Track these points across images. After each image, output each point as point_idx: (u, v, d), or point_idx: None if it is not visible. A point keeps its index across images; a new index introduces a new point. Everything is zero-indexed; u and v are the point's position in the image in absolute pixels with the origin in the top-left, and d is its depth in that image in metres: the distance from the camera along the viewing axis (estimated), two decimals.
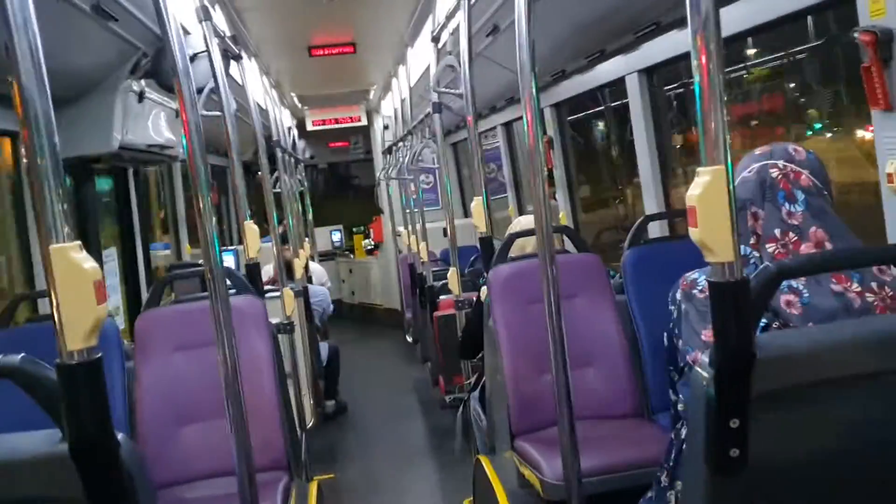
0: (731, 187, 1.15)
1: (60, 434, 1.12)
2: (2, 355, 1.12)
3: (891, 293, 1.44)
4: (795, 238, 1.49)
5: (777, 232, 1.50)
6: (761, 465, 1.24)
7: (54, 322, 1.10)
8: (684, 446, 1.61)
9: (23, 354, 1.12)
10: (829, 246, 1.48)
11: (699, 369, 1.22)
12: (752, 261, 1.51)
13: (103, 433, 1.10)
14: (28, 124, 1.08)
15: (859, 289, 1.44)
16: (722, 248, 1.15)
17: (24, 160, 1.04)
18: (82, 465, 1.10)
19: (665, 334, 1.67)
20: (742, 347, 1.17)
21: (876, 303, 1.44)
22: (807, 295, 1.44)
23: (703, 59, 1.15)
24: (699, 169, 1.17)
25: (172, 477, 2.61)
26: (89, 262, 1.11)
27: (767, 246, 1.50)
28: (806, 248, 1.48)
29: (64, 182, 1.12)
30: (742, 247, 1.44)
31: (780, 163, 1.54)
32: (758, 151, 1.60)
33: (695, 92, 1.17)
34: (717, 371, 1.18)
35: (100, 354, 1.12)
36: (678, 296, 1.60)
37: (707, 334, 1.51)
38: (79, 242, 1.11)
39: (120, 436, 1.15)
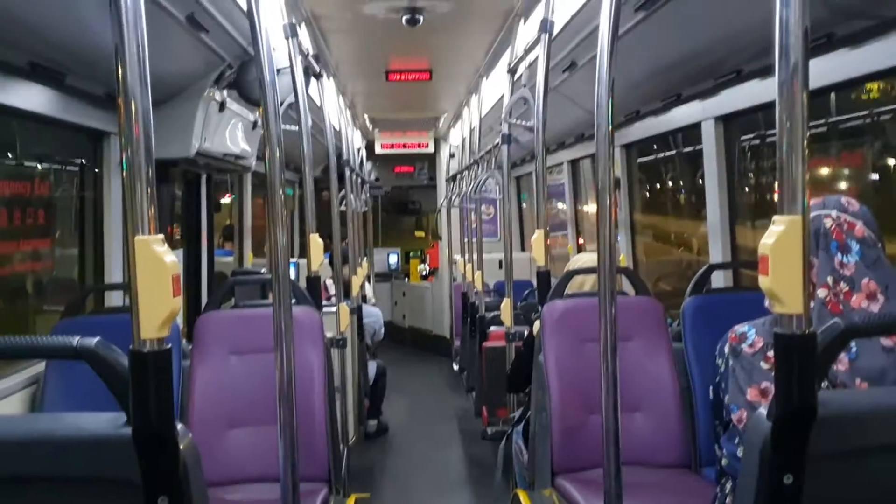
0: (805, 238, 1.14)
1: (125, 418, 1.16)
2: (79, 338, 1.17)
3: None
4: (847, 289, 1.49)
5: (829, 280, 1.50)
6: None
7: (132, 310, 1.15)
8: (728, 500, 1.58)
9: (99, 338, 1.16)
10: (881, 297, 1.47)
11: (757, 421, 1.20)
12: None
13: (166, 421, 1.14)
14: (129, 121, 1.13)
15: None
16: (792, 299, 1.13)
17: (120, 156, 1.08)
18: (143, 450, 1.13)
19: (711, 388, 1.65)
20: (803, 403, 1.15)
21: None
22: (854, 350, 1.41)
23: (789, 109, 1.15)
24: (775, 217, 1.16)
25: (217, 478, 2.65)
26: (169, 256, 1.15)
27: (819, 292, 1.49)
28: (857, 299, 1.48)
29: (154, 177, 1.17)
30: None
31: (834, 213, 1.55)
32: (811, 202, 1.59)
33: (776, 142, 1.17)
34: (775, 424, 1.16)
35: (170, 346, 1.16)
36: (726, 349, 1.58)
37: (752, 393, 1.49)
38: (162, 236, 1.16)
39: (179, 426, 1.19)
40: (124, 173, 1.15)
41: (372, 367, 6.18)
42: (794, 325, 1.14)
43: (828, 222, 1.54)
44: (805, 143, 1.15)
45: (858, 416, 1.21)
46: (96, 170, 3.53)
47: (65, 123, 3.08)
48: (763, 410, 1.21)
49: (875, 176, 3.04)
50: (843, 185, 3.15)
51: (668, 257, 5.36)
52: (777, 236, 1.15)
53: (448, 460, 5.74)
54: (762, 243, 1.16)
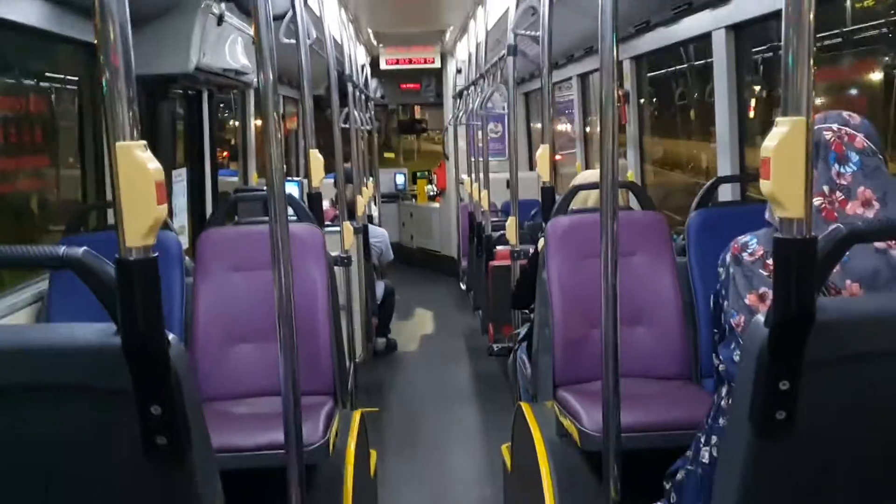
0: (808, 141, 1.10)
1: (115, 328, 1.16)
2: (65, 247, 1.15)
3: None
4: (843, 197, 1.51)
5: (825, 189, 1.52)
6: (807, 432, 1.21)
7: (115, 219, 1.13)
8: (723, 404, 1.59)
9: (86, 248, 1.15)
10: (876, 204, 1.50)
11: (755, 327, 1.19)
12: None
13: (154, 330, 1.13)
14: (104, 22, 1.09)
15: None
16: (793, 203, 1.10)
17: (97, 58, 1.05)
18: (132, 359, 1.13)
19: (711, 296, 1.65)
20: (802, 309, 1.13)
21: None
22: (847, 253, 1.41)
23: (795, 7, 1.09)
24: (778, 119, 1.12)
25: (222, 392, 2.69)
26: (153, 163, 1.13)
27: (814, 200, 1.49)
28: (852, 207, 1.50)
29: (134, 83, 1.13)
30: None
31: (835, 126, 1.57)
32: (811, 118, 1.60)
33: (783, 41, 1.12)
34: (772, 330, 1.14)
35: (156, 255, 1.15)
36: (727, 258, 1.58)
37: (751, 298, 1.51)
38: (144, 142, 1.13)
39: (171, 336, 1.18)
40: (101, 78, 1.11)
41: (380, 287, 6.22)
42: (794, 230, 1.11)
43: (828, 135, 1.55)
44: (811, 40, 1.09)
45: (856, 322, 1.20)
46: (94, 85, 3.47)
47: (61, 37, 3.01)
48: (761, 317, 1.19)
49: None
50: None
51: (680, 175, 5.30)
52: (780, 138, 1.11)
53: (455, 376, 5.83)
54: (764, 146, 1.13)
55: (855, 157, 1.53)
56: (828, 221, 1.49)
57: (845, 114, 1.60)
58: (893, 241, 1.46)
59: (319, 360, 2.75)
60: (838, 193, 1.51)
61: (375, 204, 8.37)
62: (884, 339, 1.19)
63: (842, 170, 1.53)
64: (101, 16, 1.11)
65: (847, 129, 1.56)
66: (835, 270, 1.40)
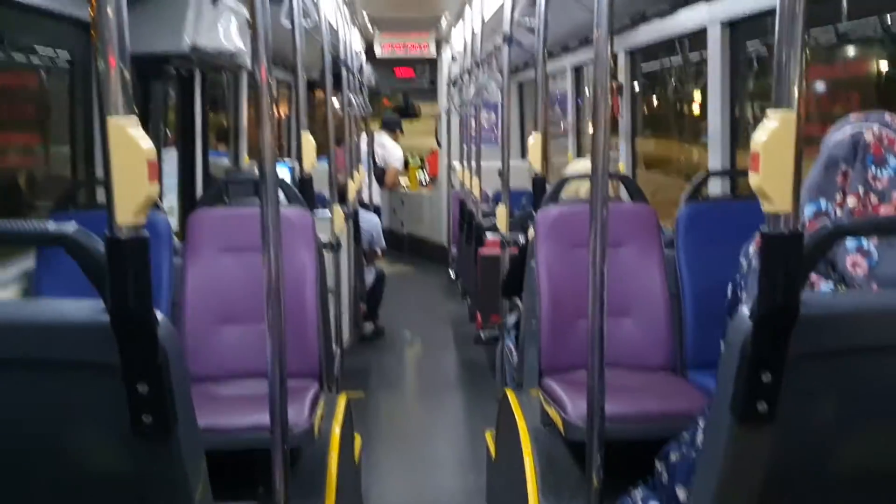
0: (798, 136, 1.11)
1: (104, 305, 1.16)
2: (55, 224, 1.15)
3: None
4: (876, 201, 1.50)
5: (860, 190, 1.51)
6: (788, 424, 1.23)
7: (106, 196, 1.13)
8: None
9: (75, 225, 1.15)
10: None
11: (739, 319, 1.20)
12: (832, 217, 1.50)
13: (143, 308, 1.13)
14: None
15: None
16: (780, 197, 1.11)
17: (91, 34, 1.04)
18: (121, 337, 1.14)
19: (730, 285, 1.65)
20: (786, 302, 1.14)
21: None
22: (876, 258, 1.42)
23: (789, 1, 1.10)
24: (768, 111, 1.13)
25: (209, 372, 2.70)
26: (145, 141, 1.12)
27: (849, 200, 1.50)
28: (885, 211, 1.48)
29: (128, 60, 1.13)
30: (826, 202, 1.44)
31: (875, 127, 1.55)
32: (853, 116, 1.61)
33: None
34: (756, 322, 1.16)
35: (147, 234, 1.15)
36: (751, 249, 1.58)
37: None
38: (136, 119, 1.13)
39: (160, 315, 1.19)
40: (98, 52, 1.10)
41: (370, 272, 6.21)
42: (781, 224, 1.13)
43: (868, 136, 1.54)
44: (803, 34, 1.10)
45: (840, 318, 1.21)
46: (86, 62, 3.44)
47: (53, 13, 2.99)
48: (745, 309, 1.21)
49: None
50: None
51: (671, 168, 5.31)
52: (769, 133, 1.12)
53: (441, 362, 5.85)
54: (753, 140, 1.14)
55: (893, 162, 1.51)
56: None
57: (887, 116, 1.58)
58: None
59: (306, 343, 2.76)
60: (872, 196, 1.50)
61: (370, 188, 8.34)
62: (867, 335, 1.20)
63: (878, 173, 1.51)
64: None
65: (888, 131, 1.54)
66: (863, 274, 1.41)
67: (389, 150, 8.28)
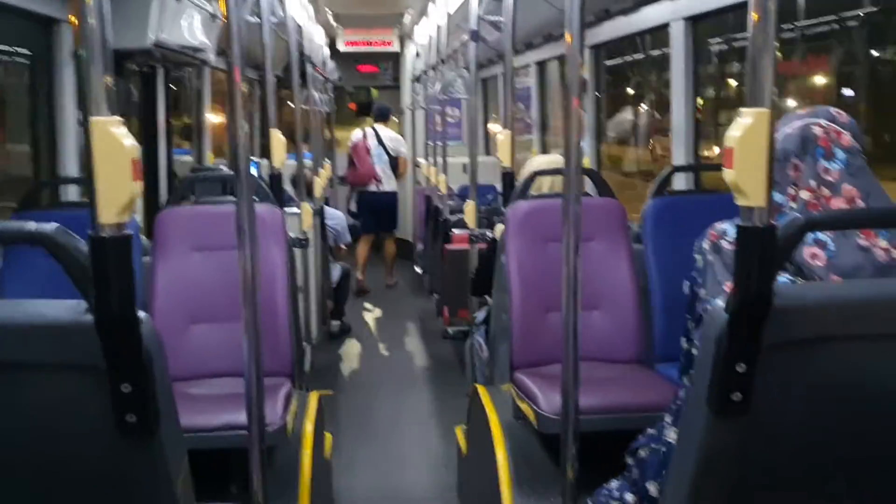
0: (771, 132, 1.15)
1: (86, 305, 1.15)
2: (35, 223, 1.14)
3: None
4: (829, 193, 1.53)
5: (813, 183, 1.54)
6: (763, 414, 1.26)
7: (90, 195, 1.12)
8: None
9: (56, 224, 1.14)
10: (860, 203, 1.52)
11: (715, 311, 1.23)
12: (786, 210, 1.53)
13: (127, 309, 1.13)
14: None
15: (886, 245, 1.47)
16: (755, 192, 1.15)
17: (74, 36, 1.04)
18: (105, 337, 1.13)
19: (686, 282, 1.68)
20: (760, 293, 1.18)
21: None
22: (832, 248, 1.46)
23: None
24: (742, 109, 1.16)
25: (180, 373, 2.67)
26: (129, 139, 1.12)
27: (801, 194, 1.53)
28: (837, 203, 1.52)
29: (111, 59, 1.12)
30: (780, 195, 1.47)
31: (823, 122, 1.58)
32: (801, 111, 1.64)
33: (747, 38, 1.16)
34: (731, 314, 1.19)
35: (131, 233, 1.14)
36: (705, 245, 1.61)
37: (730, 286, 1.54)
38: (120, 118, 1.12)
39: (142, 315, 1.18)
40: (79, 51, 1.10)
41: (336, 269, 6.20)
42: (755, 218, 1.16)
43: (817, 130, 1.57)
44: (774, 34, 1.14)
45: (812, 308, 1.25)
46: (48, 59, 3.38)
47: (12, 9, 2.93)
48: (721, 302, 1.24)
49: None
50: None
51: (634, 164, 5.39)
52: (743, 129, 1.15)
53: (409, 358, 5.86)
54: (727, 135, 1.17)
55: (841, 155, 1.55)
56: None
57: (833, 110, 1.62)
58: (876, 238, 1.48)
59: (279, 341, 2.75)
60: (824, 189, 1.53)
61: (332, 186, 8.32)
62: (838, 325, 1.24)
63: (828, 165, 1.55)
64: None
65: (835, 125, 1.58)
66: (821, 265, 1.46)
67: (397, 139, 8.43)
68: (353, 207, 8.17)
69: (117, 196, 1.10)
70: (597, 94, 4.90)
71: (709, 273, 1.59)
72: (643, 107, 5.22)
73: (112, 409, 1.15)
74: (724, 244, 1.58)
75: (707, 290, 1.59)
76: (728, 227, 1.59)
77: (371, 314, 7.11)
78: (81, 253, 1.12)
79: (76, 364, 1.16)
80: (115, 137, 1.10)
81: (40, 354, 1.16)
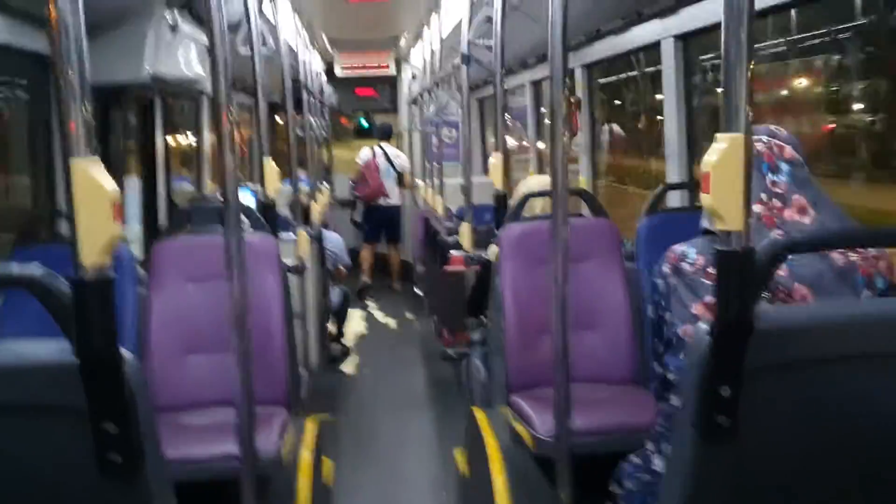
0: (747, 157, 1.16)
1: (69, 346, 1.15)
2: (18, 266, 1.15)
3: (872, 253, 1.54)
4: (780, 204, 1.58)
5: (764, 196, 1.59)
6: (750, 436, 1.26)
7: (71, 237, 1.13)
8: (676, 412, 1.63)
9: (40, 267, 1.15)
10: (811, 211, 1.57)
11: (698, 335, 1.23)
12: None
13: (109, 349, 1.13)
14: (62, 35, 1.09)
15: (841, 249, 1.52)
16: (732, 216, 1.15)
17: (52, 72, 1.05)
18: (88, 378, 1.13)
19: (650, 307, 1.69)
20: (742, 317, 1.18)
21: (859, 262, 1.52)
22: (792, 259, 1.49)
23: (733, 25, 1.15)
24: (717, 135, 1.17)
25: (175, 402, 2.67)
26: (109, 182, 1.13)
27: (755, 208, 1.55)
28: (789, 213, 1.57)
29: (90, 98, 1.13)
30: None
31: (764, 138, 1.64)
32: None
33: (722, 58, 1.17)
34: (714, 338, 1.19)
35: (113, 275, 1.15)
36: (665, 269, 1.62)
37: (697, 308, 1.54)
38: (98, 159, 1.13)
39: (126, 353, 1.18)
40: (57, 93, 1.11)
41: (335, 292, 6.20)
42: (734, 242, 1.17)
43: (759, 146, 1.62)
44: (748, 61, 1.15)
45: (795, 330, 1.25)
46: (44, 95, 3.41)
47: (9, 48, 2.96)
48: (704, 325, 1.24)
49: None
50: None
51: (631, 181, 5.39)
52: (719, 154, 1.16)
53: (409, 381, 5.85)
54: (704, 161, 1.18)
55: (786, 168, 1.60)
56: (770, 228, 1.55)
57: (773, 127, 1.67)
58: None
59: (274, 370, 2.75)
60: (775, 201, 1.58)
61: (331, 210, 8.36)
62: (821, 347, 1.24)
63: (776, 178, 1.60)
64: (58, 30, 1.11)
65: (776, 140, 1.63)
66: (784, 274, 1.48)
67: (402, 156, 9.09)
68: (358, 217, 8.97)
69: (98, 237, 1.11)
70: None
71: (673, 297, 1.59)
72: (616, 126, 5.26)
73: (95, 450, 1.15)
74: (685, 266, 1.58)
75: (673, 313, 1.59)
76: (687, 249, 1.60)
77: (372, 336, 7.10)
78: (64, 294, 1.12)
79: (60, 405, 1.16)
80: (95, 180, 1.11)
81: (24, 396, 1.16)
